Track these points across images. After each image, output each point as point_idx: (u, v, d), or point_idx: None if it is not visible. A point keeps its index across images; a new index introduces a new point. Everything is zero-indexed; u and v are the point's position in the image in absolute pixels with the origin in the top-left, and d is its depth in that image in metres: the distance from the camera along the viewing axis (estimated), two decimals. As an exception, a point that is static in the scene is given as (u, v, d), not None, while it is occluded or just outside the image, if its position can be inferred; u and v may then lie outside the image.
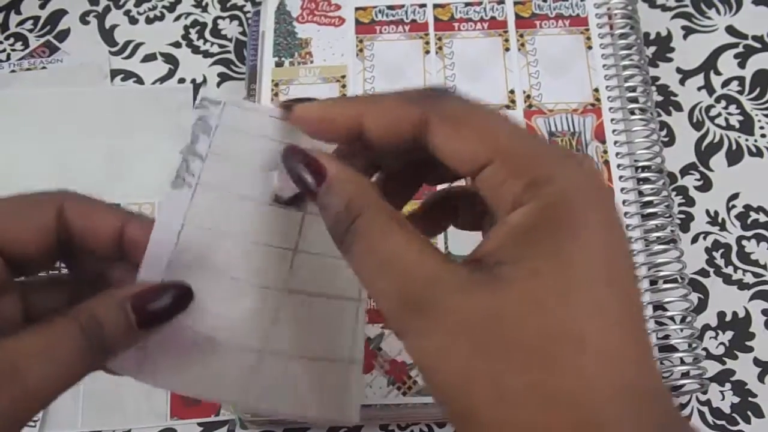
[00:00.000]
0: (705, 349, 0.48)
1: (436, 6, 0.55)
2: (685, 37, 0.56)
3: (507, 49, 0.53)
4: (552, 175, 0.24)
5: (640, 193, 0.49)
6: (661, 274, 0.46)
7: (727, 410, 0.46)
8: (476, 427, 0.22)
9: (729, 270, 0.49)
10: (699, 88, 0.55)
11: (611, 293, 0.23)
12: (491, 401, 0.22)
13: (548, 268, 0.23)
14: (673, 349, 0.46)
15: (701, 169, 0.52)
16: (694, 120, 0.54)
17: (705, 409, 0.46)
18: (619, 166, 0.49)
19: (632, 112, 0.51)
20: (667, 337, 0.46)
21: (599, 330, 0.22)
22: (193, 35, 0.58)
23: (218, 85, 0.56)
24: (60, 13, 0.59)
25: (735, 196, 0.51)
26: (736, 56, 0.55)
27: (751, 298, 0.49)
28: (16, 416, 0.25)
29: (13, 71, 0.56)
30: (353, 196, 0.25)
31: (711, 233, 0.50)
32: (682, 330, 0.46)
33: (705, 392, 0.46)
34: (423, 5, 0.55)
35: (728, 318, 0.48)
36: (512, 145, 0.25)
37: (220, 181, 0.30)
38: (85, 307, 0.27)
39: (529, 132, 0.27)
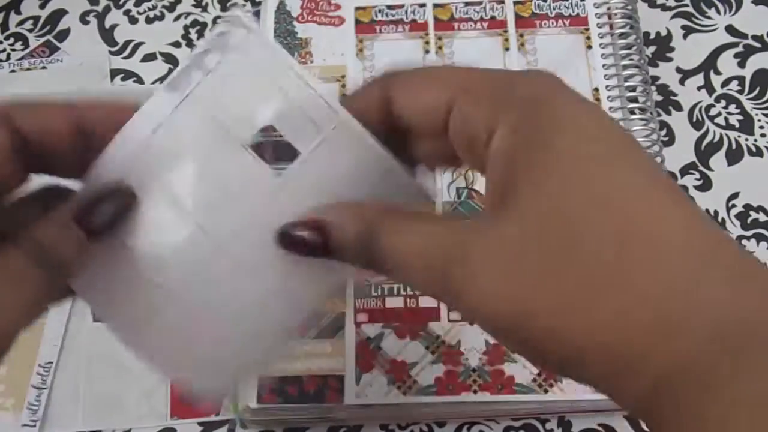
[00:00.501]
0: (705, 348, 0.47)
1: (436, 6, 0.55)
2: (685, 36, 0.56)
3: (507, 49, 0.53)
4: (514, 88, 0.24)
5: (640, 193, 0.49)
6: (661, 273, 0.46)
7: (727, 410, 0.46)
8: (566, 351, 0.22)
9: (729, 269, 0.49)
10: (699, 88, 0.55)
11: (629, 164, 0.22)
12: (578, 326, 0.21)
13: (550, 173, 0.22)
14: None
15: (701, 168, 0.52)
16: (694, 120, 0.54)
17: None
18: (619, 165, 0.49)
19: (632, 112, 0.51)
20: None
21: (649, 210, 0.22)
22: (193, 35, 0.58)
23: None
24: (60, 13, 0.59)
25: (735, 196, 0.51)
26: (736, 56, 0.55)
27: (751, 297, 0.49)
28: None
29: (13, 71, 0.56)
30: (359, 228, 0.26)
31: (711, 233, 0.50)
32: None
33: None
34: (423, 5, 0.55)
35: (728, 317, 0.48)
36: (470, 79, 0.25)
37: (211, 103, 0.28)
38: (30, 233, 0.27)
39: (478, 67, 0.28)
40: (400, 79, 0.27)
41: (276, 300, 0.29)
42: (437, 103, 0.25)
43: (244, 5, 0.59)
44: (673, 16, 0.57)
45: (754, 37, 0.56)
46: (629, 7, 0.53)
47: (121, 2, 0.59)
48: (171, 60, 0.57)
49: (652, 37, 0.56)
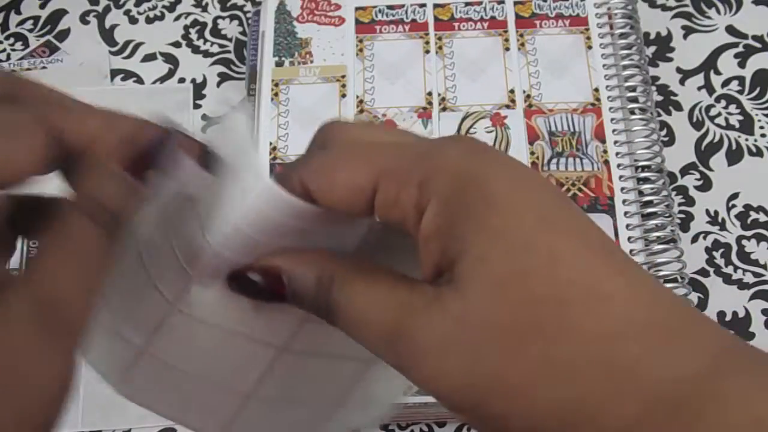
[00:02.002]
0: (705, 348, 0.48)
1: (436, 6, 0.55)
2: (685, 36, 0.56)
3: (507, 49, 0.53)
4: (438, 162, 0.23)
5: (640, 193, 0.49)
6: (661, 273, 0.46)
7: (727, 410, 0.46)
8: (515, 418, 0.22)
9: (729, 270, 0.49)
10: (699, 88, 0.55)
11: (565, 231, 0.22)
12: (519, 389, 0.21)
13: (486, 245, 0.22)
14: (673, 348, 0.46)
15: (701, 168, 0.52)
16: (694, 120, 0.54)
17: (705, 408, 0.46)
18: (619, 165, 0.49)
19: (632, 112, 0.51)
20: (667, 336, 0.46)
21: (591, 274, 0.22)
22: (193, 35, 0.58)
23: (218, 84, 0.56)
24: (60, 13, 0.59)
25: (735, 196, 0.51)
26: (736, 56, 0.55)
27: (751, 297, 0.49)
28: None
29: (13, 71, 0.56)
30: (317, 274, 0.25)
31: (711, 233, 0.50)
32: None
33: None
34: (423, 5, 0.55)
35: (728, 318, 0.48)
36: (390, 158, 0.24)
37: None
38: (81, 193, 0.25)
39: (401, 134, 0.27)
40: (313, 170, 0.25)
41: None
42: (358, 191, 0.24)
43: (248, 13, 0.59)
44: (674, 16, 0.57)
45: (754, 37, 0.56)
46: (629, 7, 0.54)
47: (121, 2, 0.59)
48: (171, 60, 0.57)
49: (652, 37, 0.56)
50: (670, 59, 0.56)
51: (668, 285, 0.46)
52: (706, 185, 0.52)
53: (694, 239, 0.50)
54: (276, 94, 0.52)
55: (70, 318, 0.24)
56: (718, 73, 0.55)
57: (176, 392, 0.29)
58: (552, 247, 0.22)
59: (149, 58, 0.57)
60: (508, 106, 0.51)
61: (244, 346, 0.28)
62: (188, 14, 0.59)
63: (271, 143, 0.51)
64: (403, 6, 0.55)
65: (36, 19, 0.59)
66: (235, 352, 0.28)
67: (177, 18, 0.59)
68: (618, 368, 0.21)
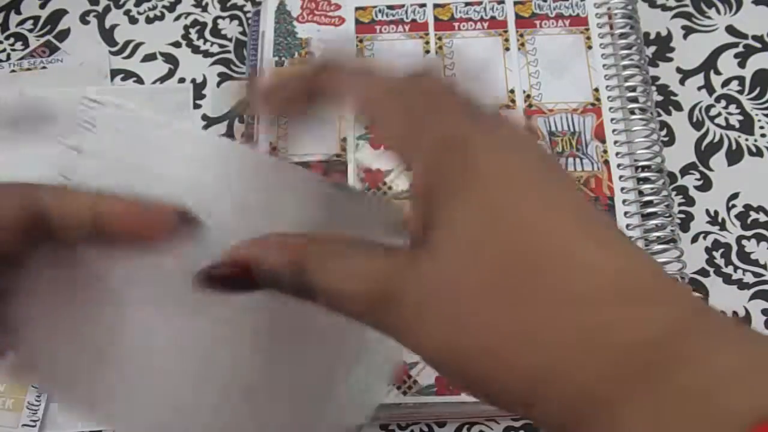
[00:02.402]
0: (705, 348, 0.48)
1: (436, 6, 0.55)
2: (685, 36, 0.56)
3: (507, 49, 0.53)
4: (429, 123, 0.24)
5: (640, 193, 0.49)
6: (661, 273, 0.46)
7: (727, 410, 0.46)
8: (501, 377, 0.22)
9: (729, 270, 0.49)
10: (699, 88, 0.55)
11: (542, 195, 0.23)
12: (502, 347, 0.22)
13: (459, 210, 0.23)
14: (673, 348, 0.46)
15: (701, 168, 0.52)
16: (694, 120, 0.54)
17: (705, 408, 0.46)
18: (619, 165, 0.49)
19: (632, 112, 0.51)
20: (667, 336, 0.46)
21: (565, 233, 0.22)
22: (193, 35, 0.58)
23: (218, 84, 0.56)
24: (60, 13, 0.59)
25: (735, 196, 0.51)
26: (736, 56, 0.55)
27: (751, 297, 0.49)
28: None
29: (13, 71, 0.56)
30: (286, 257, 0.25)
31: (711, 233, 0.50)
32: (682, 330, 0.46)
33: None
34: (423, 5, 0.55)
35: (728, 318, 0.48)
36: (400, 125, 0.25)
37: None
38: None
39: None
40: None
41: None
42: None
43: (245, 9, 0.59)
44: (674, 16, 0.57)
45: (754, 37, 0.56)
46: (629, 7, 0.54)
47: (121, 2, 0.59)
48: (171, 60, 0.57)
49: (652, 37, 0.56)
50: (670, 59, 0.56)
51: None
52: (706, 185, 0.52)
53: (694, 239, 0.50)
54: (276, 94, 0.52)
55: None
56: (718, 73, 0.55)
57: (152, 395, 0.29)
58: (524, 214, 0.22)
59: (149, 58, 0.57)
60: (508, 106, 0.51)
61: (212, 331, 0.28)
62: (188, 14, 0.59)
63: (271, 143, 0.51)
64: (403, 6, 0.55)
65: (36, 19, 0.59)
66: (205, 340, 0.28)
67: (177, 18, 0.59)
68: (588, 332, 0.21)
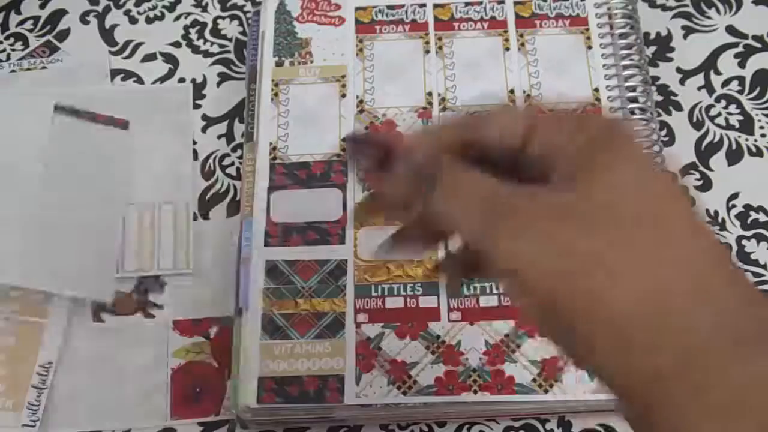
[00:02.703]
0: (705, 348, 0.48)
1: (436, 6, 0.55)
2: (685, 36, 0.56)
3: (507, 49, 0.53)
4: (589, 121, 0.28)
5: (640, 193, 0.48)
6: (661, 273, 0.46)
7: (727, 410, 0.46)
8: (597, 311, 0.23)
9: (729, 270, 0.49)
10: (699, 88, 0.55)
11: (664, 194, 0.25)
12: (604, 280, 0.23)
13: (589, 184, 0.25)
14: (673, 348, 0.45)
15: (701, 168, 0.52)
16: (694, 120, 0.54)
17: (705, 408, 0.46)
18: (619, 165, 0.49)
19: (632, 112, 0.51)
20: (667, 336, 0.45)
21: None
22: (193, 35, 0.58)
23: (218, 85, 0.56)
24: (60, 13, 0.59)
25: (735, 196, 0.51)
26: (736, 56, 0.55)
27: (751, 297, 0.49)
28: None
29: (13, 71, 0.56)
30: (428, 156, 0.29)
31: (711, 233, 0.50)
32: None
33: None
34: (423, 5, 0.55)
35: (728, 318, 0.48)
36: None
37: None
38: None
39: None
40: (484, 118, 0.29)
41: None
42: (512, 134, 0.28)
43: (245, 5, 0.59)
44: (674, 16, 0.57)
45: (754, 37, 0.56)
46: (629, 7, 0.54)
47: (121, 2, 0.59)
48: (171, 60, 0.57)
49: (652, 37, 0.56)
50: (670, 59, 0.56)
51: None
52: (706, 185, 0.52)
53: (694, 239, 0.50)
54: (276, 94, 0.52)
55: None
56: (718, 73, 0.55)
57: None
58: (655, 198, 0.25)
59: (149, 58, 0.57)
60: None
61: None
62: (188, 14, 0.59)
63: (271, 143, 0.51)
64: (403, 6, 0.55)
65: (36, 19, 0.59)
66: None
67: (177, 18, 0.59)
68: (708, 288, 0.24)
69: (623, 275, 0.23)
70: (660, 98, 0.54)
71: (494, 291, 0.46)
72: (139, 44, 0.58)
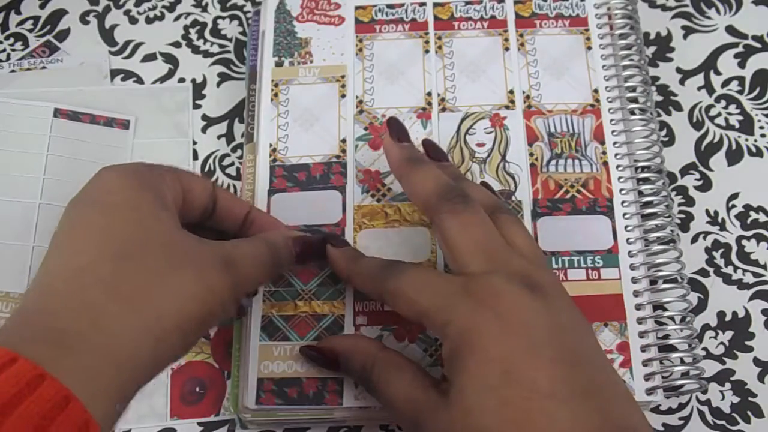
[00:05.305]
0: (705, 348, 0.48)
1: (436, 5, 0.55)
2: (685, 36, 0.56)
3: (507, 49, 0.53)
4: (451, 315, 0.35)
5: (640, 193, 0.49)
6: (661, 274, 0.46)
7: (727, 410, 0.46)
8: None
9: (729, 270, 0.49)
10: (699, 88, 0.55)
11: (521, 379, 0.32)
12: None
13: (464, 383, 0.33)
14: (672, 349, 0.46)
15: (701, 168, 0.52)
16: (694, 120, 0.54)
17: (705, 408, 0.46)
18: (618, 166, 0.49)
19: (632, 112, 0.51)
20: (666, 336, 0.46)
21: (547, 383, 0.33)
22: (193, 35, 0.58)
23: (218, 85, 0.56)
24: (60, 13, 0.59)
25: (735, 196, 0.51)
26: (736, 56, 0.55)
27: (751, 297, 0.49)
28: (235, 295, 0.36)
29: (13, 71, 0.56)
30: (362, 360, 0.40)
31: (711, 233, 0.50)
32: (681, 330, 0.46)
33: (705, 392, 0.46)
34: (423, 4, 0.55)
35: (728, 318, 0.48)
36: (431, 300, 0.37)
37: None
38: (268, 235, 0.42)
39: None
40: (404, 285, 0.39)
41: None
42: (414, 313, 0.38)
43: (244, 5, 0.59)
44: (673, 16, 0.57)
45: (754, 37, 0.56)
46: (629, 8, 0.53)
47: (121, 2, 0.59)
48: (171, 60, 0.57)
49: (652, 37, 0.56)
50: (670, 59, 0.56)
51: (667, 285, 0.46)
52: (706, 185, 0.52)
53: (694, 239, 0.50)
54: (276, 95, 0.52)
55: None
56: (718, 73, 0.55)
57: None
58: (505, 397, 0.32)
59: (149, 58, 0.57)
60: (507, 107, 0.51)
61: None
62: (188, 14, 0.59)
63: (270, 144, 0.51)
64: (403, 5, 0.55)
65: (36, 19, 0.59)
66: None
67: (177, 18, 0.59)
68: None
69: None
70: (660, 98, 0.54)
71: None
72: (139, 44, 0.58)
